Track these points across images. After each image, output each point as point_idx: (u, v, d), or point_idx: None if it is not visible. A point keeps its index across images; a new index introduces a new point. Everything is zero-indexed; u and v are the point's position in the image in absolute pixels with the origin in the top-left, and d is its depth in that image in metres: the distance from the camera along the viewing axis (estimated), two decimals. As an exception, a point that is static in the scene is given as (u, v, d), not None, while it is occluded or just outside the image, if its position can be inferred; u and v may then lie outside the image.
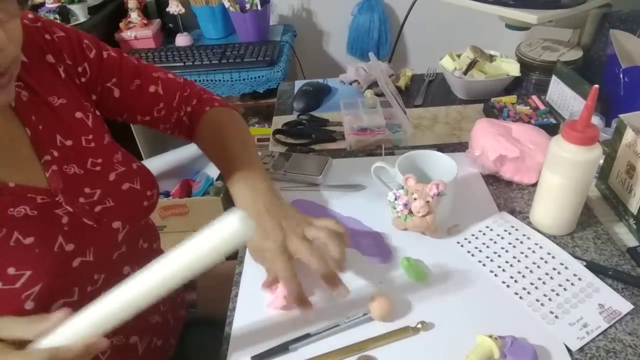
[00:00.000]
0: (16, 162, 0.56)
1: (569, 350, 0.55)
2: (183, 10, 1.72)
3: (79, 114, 0.64)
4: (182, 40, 1.74)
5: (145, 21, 1.73)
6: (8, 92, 0.52)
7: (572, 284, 0.63)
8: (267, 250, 0.59)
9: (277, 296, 0.61)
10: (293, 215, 0.62)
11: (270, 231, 0.59)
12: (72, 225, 0.58)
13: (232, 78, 1.57)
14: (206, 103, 0.79)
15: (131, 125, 1.60)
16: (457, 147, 0.91)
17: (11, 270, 0.51)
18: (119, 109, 0.73)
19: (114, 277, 0.63)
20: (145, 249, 0.71)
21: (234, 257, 0.75)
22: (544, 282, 0.63)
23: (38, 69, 0.61)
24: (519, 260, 0.66)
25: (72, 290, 0.58)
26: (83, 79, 0.66)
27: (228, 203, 1.43)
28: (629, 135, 0.68)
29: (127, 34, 1.69)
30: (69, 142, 0.62)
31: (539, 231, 0.71)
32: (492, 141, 0.79)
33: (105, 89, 0.69)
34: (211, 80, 1.58)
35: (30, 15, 0.62)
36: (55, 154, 0.60)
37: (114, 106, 0.71)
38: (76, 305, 0.60)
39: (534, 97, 1.00)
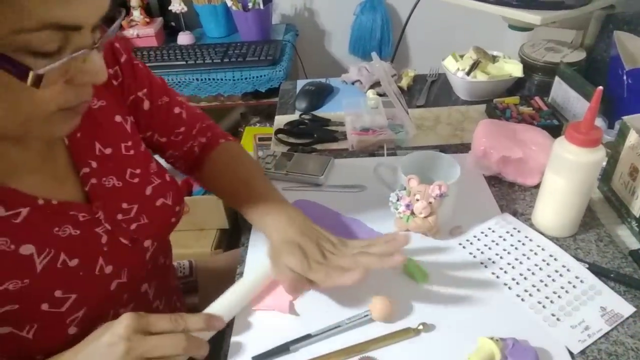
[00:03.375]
0: (54, 175, 0.53)
1: (570, 353, 0.55)
2: (185, 8, 1.72)
3: (118, 118, 0.61)
4: (184, 38, 1.74)
5: (147, 19, 1.73)
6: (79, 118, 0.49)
7: (574, 286, 0.62)
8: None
9: (276, 298, 0.61)
10: (328, 236, 0.61)
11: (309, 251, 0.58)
12: (111, 245, 0.55)
13: (234, 77, 1.57)
14: (220, 136, 0.78)
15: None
16: (459, 148, 0.90)
17: (58, 293, 0.49)
18: (145, 124, 0.68)
19: (137, 295, 0.61)
20: (161, 265, 0.69)
21: (234, 256, 0.75)
22: (545, 285, 0.63)
23: None
24: (520, 262, 0.66)
25: (108, 313, 0.56)
26: (115, 82, 0.62)
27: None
28: (632, 137, 0.68)
29: (129, 32, 1.69)
30: (108, 151, 0.59)
31: (541, 233, 0.71)
32: (494, 142, 0.79)
33: (137, 98, 0.65)
34: (213, 79, 1.57)
35: None
36: (94, 164, 0.57)
37: (141, 119, 0.67)
38: None
39: (536, 98, 1.00)
